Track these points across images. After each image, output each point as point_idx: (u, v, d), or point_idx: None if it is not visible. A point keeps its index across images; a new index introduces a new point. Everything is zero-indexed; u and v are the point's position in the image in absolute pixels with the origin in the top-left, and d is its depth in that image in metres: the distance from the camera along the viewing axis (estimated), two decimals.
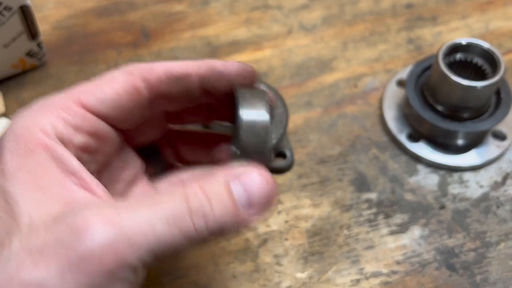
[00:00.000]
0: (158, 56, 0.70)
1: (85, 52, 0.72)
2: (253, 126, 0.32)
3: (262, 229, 0.54)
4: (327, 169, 0.58)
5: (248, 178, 0.29)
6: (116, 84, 0.33)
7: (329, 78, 0.66)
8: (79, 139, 0.30)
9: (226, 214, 0.28)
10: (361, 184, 0.57)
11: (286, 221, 0.55)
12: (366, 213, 0.55)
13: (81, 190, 0.28)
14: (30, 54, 0.67)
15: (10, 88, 0.68)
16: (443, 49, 0.54)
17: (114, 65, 0.70)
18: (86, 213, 0.25)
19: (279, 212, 0.56)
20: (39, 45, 0.67)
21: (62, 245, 0.24)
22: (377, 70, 0.66)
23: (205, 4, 0.75)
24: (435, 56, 0.55)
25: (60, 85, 0.69)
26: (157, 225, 0.26)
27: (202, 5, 0.75)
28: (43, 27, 0.75)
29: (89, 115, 0.31)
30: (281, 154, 0.58)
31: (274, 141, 0.55)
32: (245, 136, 0.32)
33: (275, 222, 0.55)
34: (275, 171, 0.57)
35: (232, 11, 0.74)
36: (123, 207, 0.27)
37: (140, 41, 0.72)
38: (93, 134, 0.31)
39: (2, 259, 0.24)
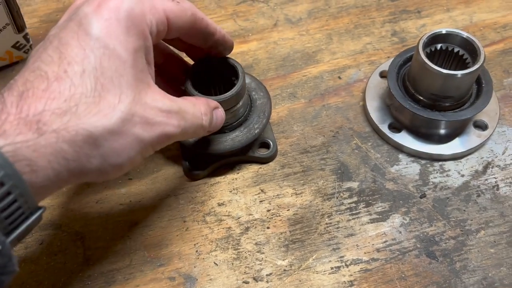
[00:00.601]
0: None
1: None
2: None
3: (244, 217, 0.55)
4: (309, 159, 0.59)
5: (219, 112, 0.51)
6: (189, 14, 0.45)
7: (313, 70, 0.66)
8: (154, 39, 0.43)
9: (203, 125, 0.48)
10: (343, 173, 0.57)
11: (268, 210, 0.55)
12: (347, 201, 0.56)
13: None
14: (16, 46, 0.67)
15: None
16: (424, 39, 0.55)
17: None
18: None
19: (261, 201, 0.56)
20: (25, 37, 0.67)
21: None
22: (361, 62, 0.67)
23: None
24: (416, 46, 0.55)
25: None
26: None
27: None
28: (31, 20, 0.76)
29: (166, 27, 0.44)
30: (264, 145, 0.59)
31: (257, 131, 0.55)
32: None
33: (257, 210, 0.55)
34: (258, 161, 0.58)
35: (219, 4, 0.75)
36: None
37: None
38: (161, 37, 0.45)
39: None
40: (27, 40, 0.68)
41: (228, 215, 0.56)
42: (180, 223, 0.55)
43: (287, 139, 0.61)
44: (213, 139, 0.55)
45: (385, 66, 0.64)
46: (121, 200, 0.58)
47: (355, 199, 0.56)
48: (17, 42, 0.67)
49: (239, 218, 0.55)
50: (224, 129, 0.55)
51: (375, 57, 0.67)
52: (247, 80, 0.58)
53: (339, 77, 0.65)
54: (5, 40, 0.66)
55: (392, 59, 0.61)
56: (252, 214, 0.55)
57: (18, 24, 0.65)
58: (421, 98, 0.57)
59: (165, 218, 0.56)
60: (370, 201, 0.55)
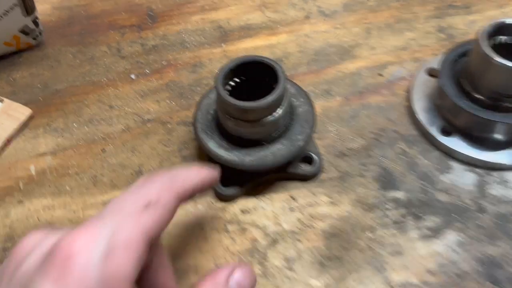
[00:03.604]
0: (164, 39, 0.64)
1: (86, 34, 0.67)
2: None
3: (271, 227, 0.48)
4: (347, 163, 0.51)
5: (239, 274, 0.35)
6: (170, 213, 0.35)
7: (350, 66, 0.59)
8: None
9: None
10: (387, 181, 0.50)
11: (300, 220, 0.48)
12: (393, 213, 0.48)
13: None
14: (24, 31, 0.61)
15: (1, 68, 0.63)
16: (486, 29, 0.48)
17: (116, 47, 0.64)
18: None
19: (291, 210, 0.49)
20: (35, 22, 0.61)
21: None
22: (404, 59, 0.60)
23: None
24: (476, 39, 0.48)
25: (56, 66, 0.63)
26: None
27: None
28: (43, 6, 0.70)
29: (148, 250, 0.32)
30: (307, 159, 0.51)
31: (301, 143, 0.48)
32: None
33: (286, 220, 0.48)
34: (300, 178, 0.50)
35: None
36: None
37: (145, 23, 0.67)
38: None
39: None
40: (37, 25, 0.62)
41: (253, 224, 0.48)
42: (197, 231, 0.48)
43: (321, 140, 0.53)
44: (251, 153, 0.47)
45: (432, 63, 0.57)
46: None
47: (401, 211, 0.48)
48: (26, 26, 0.61)
49: (265, 228, 0.48)
50: (262, 141, 0.48)
51: (420, 53, 0.60)
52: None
53: (380, 74, 0.58)
54: (12, 23, 0.60)
55: (443, 55, 0.54)
56: (281, 224, 0.48)
57: (27, 4, 0.59)
58: (480, 97, 0.49)
59: (180, 225, 0.49)
60: (419, 214, 0.48)
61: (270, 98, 0.44)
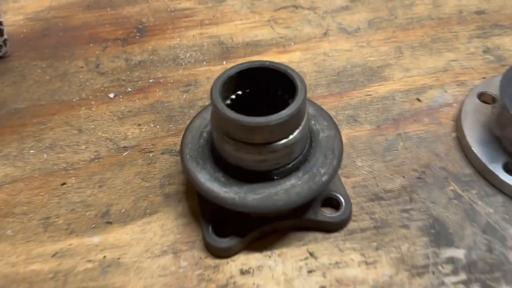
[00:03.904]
0: (153, 54, 0.54)
1: (61, 47, 0.56)
2: None
3: None
4: (384, 209, 0.39)
5: None
6: None
7: (381, 89, 0.48)
8: None
9: None
10: (439, 234, 0.37)
11: (322, 287, 0.35)
12: (451, 281, 0.34)
13: None
14: None
15: None
16: None
17: (94, 62, 0.53)
18: None
19: (310, 272, 0.35)
20: None
21: None
22: (446, 82, 0.48)
23: (219, 2, 0.60)
24: None
25: (20, 82, 0.52)
26: None
27: (215, 2, 0.60)
28: (15, 17, 0.60)
29: None
30: (331, 202, 0.38)
31: (325, 178, 0.35)
32: None
33: (303, 286, 0.35)
34: (321, 227, 0.37)
35: (253, 10, 0.59)
36: None
37: (132, 37, 0.56)
38: None
39: None
40: (1, 33, 0.52)
41: None
42: None
43: (348, 178, 0.41)
44: (256, 190, 0.35)
45: (483, 87, 0.46)
46: (91, 254, 0.37)
47: (463, 276, 0.35)
48: None
49: None
50: (272, 174, 0.35)
51: (465, 76, 0.49)
52: None
53: (418, 99, 0.47)
54: None
55: (495, 78, 0.42)
56: None
57: None
58: None
59: None
60: (488, 282, 0.34)
61: (285, 113, 0.32)
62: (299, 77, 0.34)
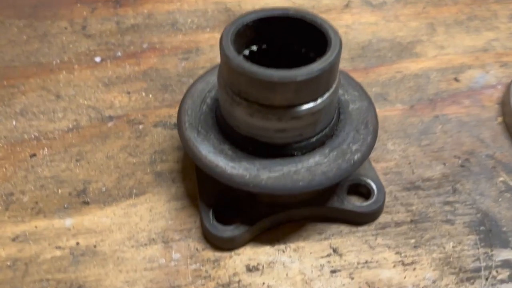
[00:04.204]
0: (149, 18, 0.47)
1: (43, 6, 0.49)
2: None
3: None
4: (423, 201, 0.32)
5: None
6: None
7: (413, 66, 0.42)
8: None
9: None
10: (491, 233, 0.30)
11: None
12: None
13: None
14: None
15: None
16: None
17: (81, 23, 0.46)
18: None
19: (334, 272, 0.28)
20: None
21: None
22: (488, 63, 0.42)
23: None
24: None
25: None
26: None
27: None
28: None
29: None
30: (360, 189, 0.31)
31: (357, 156, 0.28)
32: None
33: None
34: (347, 218, 0.30)
35: None
36: None
37: None
38: None
39: None
40: None
41: None
42: None
43: (378, 163, 0.34)
44: (271, 167, 0.28)
45: None
46: (61, 240, 0.30)
47: None
48: None
49: None
50: (293, 148, 0.28)
51: (509, 57, 0.43)
52: None
53: (456, 79, 0.41)
54: None
55: None
56: None
57: None
58: None
59: (139, 286, 0.28)
60: None
61: (316, 67, 0.25)
62: (332, 27, 0.28)
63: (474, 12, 0.48)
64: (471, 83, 0.40)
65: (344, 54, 0.43)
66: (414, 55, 0.43)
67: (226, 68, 0.27)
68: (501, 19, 0.47)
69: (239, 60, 0.26)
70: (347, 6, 0.48)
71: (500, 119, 0.37)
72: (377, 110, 0.37)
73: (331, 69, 0.26)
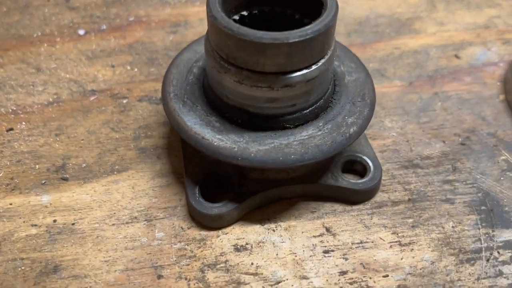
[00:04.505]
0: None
1: None
2: None
3: (289, 282, 0.25)
4: (422, 179, 0.30)
5: None
6: None
7: (411, 42, 0.40)
8: None
9: None
10: (492, 213, 0.29)
11: (343, 272, 0.26)
12: (511, 270, 0.26)
13: None
14: None
15: None
16: None
17: None
18: None
19: (327, 252, 0.27)
20: None
21: None
22: (489, 40, 0.40)
23: None
24: None
25: None
26: None
27: None
28: None
29: None
30: (355, 166, 0.30)
31: (353, 129, 0.27)
32: None
33: (318, 271, 0.26)
34: (341, 197, 0.29)
35: None
36: None
37: None
38: None
39: None
40: None
41: (255, 274, 0.26)
42: (149, 279, 0.25)
43: (375, 140, 0.32)
44: (261, 140, 0.26)
45: None
46: (37, 217, 0.28)
47: None
48: None
49: (278, 283, 0.25)
50: (285, 120, 0.27)
51: (511, 35, 0.41)
52: None
53: (457, 56, 0.39)
54: None
55: None
56: (307, 277, 0.26)
57: None
58: None
59: (119, 266, 0.26)
60: None
61: (310, 29, 0.24)
62: None
63: None
64: (472, 60, 0.39)
65: (340, 29, 0.41)
66: (413, 32, 0.41)
67: (213, 30, 0.25)
68: None
69: (227, 21, 0.24)
70: None
71: (502, 96, 0.36)
72: (375, 86, 0.36)
73: (327, 33, 0.24)
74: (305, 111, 0.27)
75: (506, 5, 0.44)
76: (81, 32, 0.41)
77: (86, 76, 0.37)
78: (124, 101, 0.35)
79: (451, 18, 0.43)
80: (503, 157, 0.32)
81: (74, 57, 0.38)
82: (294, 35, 0.23)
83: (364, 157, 0.30)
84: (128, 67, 0.38)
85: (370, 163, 0.29)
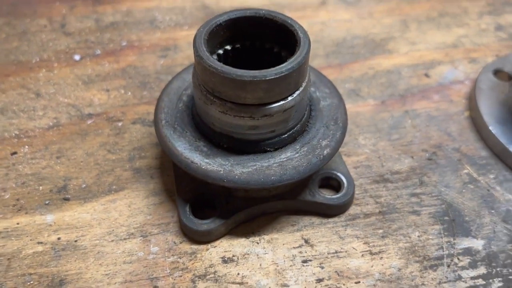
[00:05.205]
0: (127, 16, 0.47)
1: (22, 4, 0.49)
2: None
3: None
4: (391, 193, 0.33)
5: None
6: None
7: (385, 62, 0.43)
8: None
9: None
10: (454, 223, 0.32)
11: (320, 280, 0.29)
12: (469, 275, 0.30)
13: None
14: None
15: None
16: None
17: (59, 21, 0.46)
18: None
19: (305, 262, 0.30)
20: None
21: None
22: (456, 59, 0.44)
23: None
24: None
25: None
26: None
27: None
28: None
29: None
30: (330, 182, 0.33)
31: (326, 151, 0.30)
32: None
33: (297, 279, 0.29)
34: (318, 210, 0.32)
35: None
36: None
37: None
38: None
39: None
40: None
41: (241, 283, 0.29)
42: None
43: (349, 157, 0.36)
44: (244, 163, 0.29)
45: (497, 64, 0.42)
46: (43, 235, 0.31)
47: (482, 270, 0.30)
48: None
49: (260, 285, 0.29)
50: (266, 144, 0.30)
51: (477, 53, 0.44)
52: None
53: (426, 75, 0.42)
54: None
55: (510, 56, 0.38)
56: (288, 286, 0.29)
57: None
58: None
59: (118, 278, 0.29)
60: (511, 277, 0.30)
61: (285, 67, 0.27)
62: (301, 28, 0.29)
63: (445, 8, 0.49)
64: (441, 78, 0.42)
65: (319, 51, 0.44)
66: (387, 52, 0.44)
67: (199, 68, 0.28)
68: (471, 16, 0.49)
69: (212, 61, 0.27)
70: (323, 3, 0.49)
71: (467, 113, 0.39)
72: (350, 105, 0.39)
73: (300, 69, 0.27)
74: (283, 136, 0.30)
75: (474, 25, 0.48)
76: (77, 57, 0.43)
77: (83, 100, 0.40)
78: (119, 124, 0.38)
79: (422, 37, 0.46)
80: (466, 171, 0.35)
81: (71, 82, 0.41)
82: (271, 73, 0.26)
83: (339, 174, 0.33)
84: (122, 91, 0.40)
85: (344, 180, 0.33)
